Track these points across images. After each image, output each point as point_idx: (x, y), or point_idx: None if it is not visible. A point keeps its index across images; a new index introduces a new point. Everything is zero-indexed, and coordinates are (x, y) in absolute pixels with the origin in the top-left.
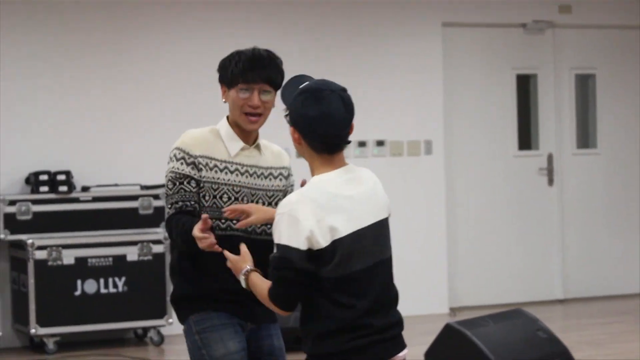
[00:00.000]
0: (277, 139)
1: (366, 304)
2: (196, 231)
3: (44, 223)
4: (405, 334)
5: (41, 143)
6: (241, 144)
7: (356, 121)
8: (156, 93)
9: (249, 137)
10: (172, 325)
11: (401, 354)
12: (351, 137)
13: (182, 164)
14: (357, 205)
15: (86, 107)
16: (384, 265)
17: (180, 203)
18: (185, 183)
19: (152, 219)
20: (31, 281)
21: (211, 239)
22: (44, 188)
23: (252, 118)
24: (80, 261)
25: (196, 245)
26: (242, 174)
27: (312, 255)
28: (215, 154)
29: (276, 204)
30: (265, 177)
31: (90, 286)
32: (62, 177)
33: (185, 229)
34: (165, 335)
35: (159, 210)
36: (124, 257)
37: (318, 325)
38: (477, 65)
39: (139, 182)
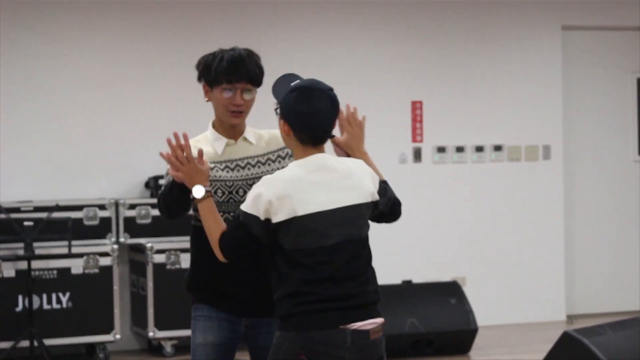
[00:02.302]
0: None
1: (318, 275)
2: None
3: (163, 227)
4: (522, 340)
5: (161, 147)
6: (225, 140)
7: (474, 125)
8: None
9: (234, 133)
10: None
11: (361, 323)
12: (469, 142)
13: None
14: (323, 189)
15: (203, 114)
16: (349, 245)
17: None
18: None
19: None
20: (150, 284)
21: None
22: None
23: (235, 114)
24: None
25: (175, 194)
26: (232, 170)
27: (270, 226)
28: (205, 156)
29: None
30: (263, 164)
31: None
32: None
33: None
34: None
35: None
36: None
37: (277, 288)
38: (596, 69)
39: None
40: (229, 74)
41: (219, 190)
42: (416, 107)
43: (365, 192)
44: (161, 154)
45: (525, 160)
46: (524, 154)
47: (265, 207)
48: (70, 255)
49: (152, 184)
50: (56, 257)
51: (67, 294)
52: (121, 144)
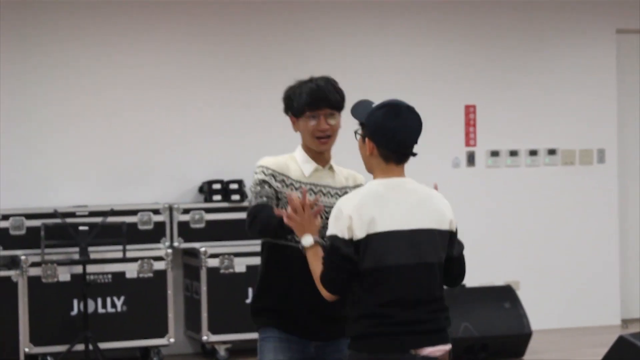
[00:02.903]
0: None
1: (391, 296)
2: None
3: (216, 231)
4: (576, 345)
5: (214, 152)
6: (314, 165)
7: (527, 129)
8: None
9: (322, 160)
10: None
11: (432, 349)
12: (522, 146)
13: (262, 174)
14: (401, 209)
15: (258, 119)
16: (422, 268)
17: (264, 197)
18: (265, 186)
19: None
20: (204, 288)
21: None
22: (217, 197)
23: (323, 140)
24: (252, 269)
25: (277, 229)
26: (315, 193)
27: (354, 244)
28: (291, 174)
29: None
30: (340, 196)
31: None
32: (234, 186)
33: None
34: None
35: None
36: None
37: (352, 310)
38: None
39: None
40: (311, 104)
41: None
42: (469, 111)
43: (444, 219)
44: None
45: (579, 164)
46: (578, 157)
47: (348, 224)
48: (124, 260)
49: (205, 189)
50: (111, 261)
51: (122, 298)
52: (175, 149)
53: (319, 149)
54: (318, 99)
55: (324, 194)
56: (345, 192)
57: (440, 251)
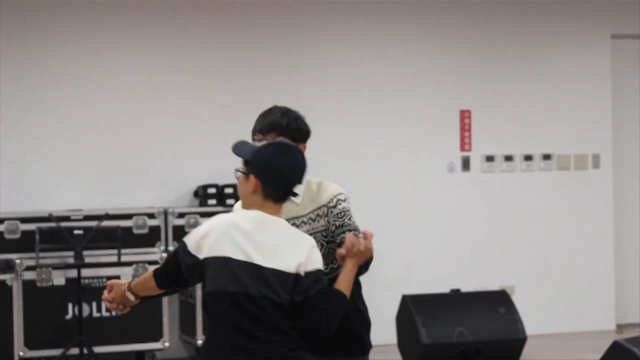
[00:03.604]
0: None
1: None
2: None
3: None
4: (571, 349)
5: (209, 157)
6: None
7: (522, 134)
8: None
9: None
10: None
11: None
12: (518, 151)
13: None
14: (249, 242)
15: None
16: (249, 299)
17: None
18: None
19: None
20: (198, 292)
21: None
22: (212, 201)
23: None
24: None
25: None
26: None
27: (193, 259)
28: None
29: (328, 242)
30: (307, 223)
31: None
32: (229, 190)
33: None
34: None
35: None
36: None
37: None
38: None
39: None
40: (260, 127)
41: None
42: (464, 116)
43: (293, 265)
44: None
45: (574, 169)
46: (573, 162)
47: (197, 240)
48: (119, 264)
49: (200, 193)
50: (106, 265)
51: None
52: (170, 153)
53: None
54: (266, 124)
55: (298, 226)
56: (310, 218)
57: (279, 290)
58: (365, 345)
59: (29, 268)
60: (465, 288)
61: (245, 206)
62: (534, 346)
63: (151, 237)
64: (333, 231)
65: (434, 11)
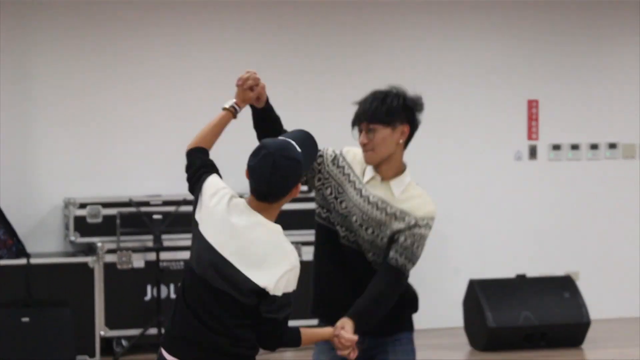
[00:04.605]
0: None
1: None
2: None
3: (285, 220)
4: (634, 334)
5: None
6: (373, 173)
7: (589, 123)
8: None
9: (381, 172)
10: None
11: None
12: (584, 140)
13: (329, 150)
14: (235, 239)
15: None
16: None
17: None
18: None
19: None
20: None
21: None
22: None
23: (366, 153)
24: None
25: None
26: (369, 203)
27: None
28: (357, 170)
29: (381, 240)
30: (387, 214)
31: None
32: None
33: None
34: None
35: None
36: None
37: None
38: None
39: None
40: (353, 121)
41: (343, 203)
42: (532, 106)
43: (263, 276)
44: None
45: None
46: (639, 151)
47: (205, 197)
48: None
49: None
50: (183, 249)
51: None
52: (245, 139)
53: (365, 161)
54: (356, 114)
55: (378, 208)
56: (394, 215)
57: (245, 294)
58: (412, 323)
59: (110, 251)
60: (530, 273)
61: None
62: (598, 330)
63: None
64: (397, 239)
65: (504, 6)
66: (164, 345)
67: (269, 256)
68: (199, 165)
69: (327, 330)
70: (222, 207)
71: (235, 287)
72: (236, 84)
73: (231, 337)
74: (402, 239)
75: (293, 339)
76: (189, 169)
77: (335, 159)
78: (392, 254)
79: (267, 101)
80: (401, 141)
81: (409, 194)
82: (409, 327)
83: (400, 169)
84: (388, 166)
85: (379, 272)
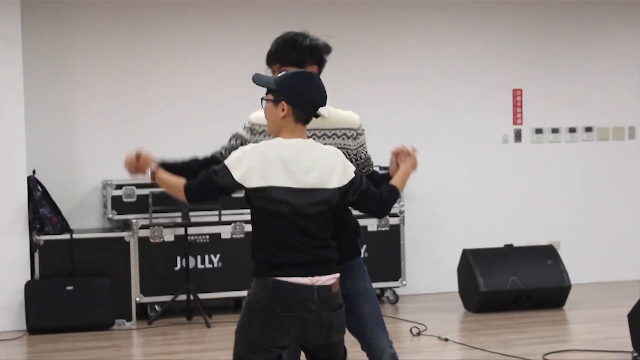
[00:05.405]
0: None
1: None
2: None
3: None
4: (609, 296)
5: None
6: None
7: (567, 109)
8: None
9: None
10: (405, 287)
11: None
12: (563, 124)
13: (243, 128)
14: (296, 167)
15: None
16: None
17: (217, 152)
18: (234, 140)
19: None
20: None
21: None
22: None
23: None
24: None
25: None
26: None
27: (246, 189)
28: None
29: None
30: (328, 137)
31: None
32: None
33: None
34: (399, 295)
35: None
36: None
37: None
38: None
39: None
40: (267, 58)
41: None
42: (517, 94)
43: (332, 177)
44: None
45: (612, 139)
46: (612, 134)
47: (243, 173)
48: (220, 223)
49: None
50: (208, 224)
51: (218, 256)
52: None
53: None
54: (268, 54)
55: (319, 137)
56: (334, 134)
57: (331, 201)
58: (359, 248)
59: (143, 227)
60: (517, 243)
61: (275, 129)
62: (578, 293)
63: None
64: (362, 160)
65: (492, 4)
66: (283, 273)
67: (330, 162)
68: (205, 180)
69: (402, 169)
70: (269, 156)
71: (327, 202)
72: (133, 173)
73: (332, 246)
74: (356, 156)
75: (391, 193)
76: (206, 195)
77: (251, 129)
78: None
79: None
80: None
81: (335, 112)
82: (357, 252)
83: None
84: None
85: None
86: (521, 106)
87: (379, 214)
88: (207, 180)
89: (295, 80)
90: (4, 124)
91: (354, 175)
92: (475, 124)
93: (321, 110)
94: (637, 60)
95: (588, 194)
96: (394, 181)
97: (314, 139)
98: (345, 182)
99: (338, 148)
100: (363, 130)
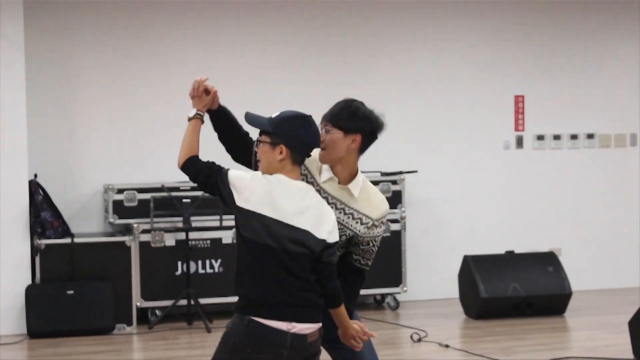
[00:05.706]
0: None
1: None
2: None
3: None
4: (609, 303)
5: None
6: (330, 174)
7: (569, 116)
8: None
9: (338, 174)
10: (406, 293)
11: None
12: (565, 131)
13: None
14: (284, 205)
15: None
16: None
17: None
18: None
19: (392, 201)
20: None
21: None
22: None
23: (320, 151)
24: None
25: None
26: (329, 204)
27: (237, 208)
28: (313, 170)
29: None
30: (345, 214)
31: None
32: None
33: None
34: (400, 301)
35: (397, 194)
36: None
37: None
38: None
39: (379, 170)
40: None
41: None
42: (518, 101)
43: (323, 228)
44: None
45: (614, 146)
46: (614, 141)
47: (238, 185)
48: (221, 228)
49: None
50: (210, 229)
51: (219, 261)
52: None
53: (319, 159)
54: (324, 114)
55: (337, 209)
56: (351, 215)
57: (313, 248)
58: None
59: (144, 231)
60: (518, 250)
61: (270, 170)
62: (579, 300)
63: None
64: (358, 242)
65: (494, 11)
66: (260, 313)
67: (323, 213)
68: (208, 167)
69: (351, 321)
70: (269, 188)
71: (311, 248)
72: (190, 96)
73: (315, 290)
74: (363, 242)
75: (337, 291)
76: (199, 175)
77: None
78: (355, 256)
79: (219, 104)
80: (352, 147)
81: (367, 194)
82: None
83: (354, 173)
84: (342, 168)
85: (348, 274)
86: (523, 112)
87: (326, 293)
88: (211, 169)
89: (294, 123)
90: (5, 128)
91: (337, 240)
92: (477, 130)
93: (352, 189)
94: (639, 67)
95: (589, 201)
96: (342, 306)
97: (331, 206)
98: (331, 240)
99: (347, 229)
100: (382, 223)
